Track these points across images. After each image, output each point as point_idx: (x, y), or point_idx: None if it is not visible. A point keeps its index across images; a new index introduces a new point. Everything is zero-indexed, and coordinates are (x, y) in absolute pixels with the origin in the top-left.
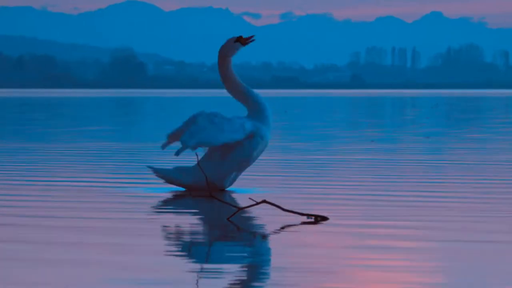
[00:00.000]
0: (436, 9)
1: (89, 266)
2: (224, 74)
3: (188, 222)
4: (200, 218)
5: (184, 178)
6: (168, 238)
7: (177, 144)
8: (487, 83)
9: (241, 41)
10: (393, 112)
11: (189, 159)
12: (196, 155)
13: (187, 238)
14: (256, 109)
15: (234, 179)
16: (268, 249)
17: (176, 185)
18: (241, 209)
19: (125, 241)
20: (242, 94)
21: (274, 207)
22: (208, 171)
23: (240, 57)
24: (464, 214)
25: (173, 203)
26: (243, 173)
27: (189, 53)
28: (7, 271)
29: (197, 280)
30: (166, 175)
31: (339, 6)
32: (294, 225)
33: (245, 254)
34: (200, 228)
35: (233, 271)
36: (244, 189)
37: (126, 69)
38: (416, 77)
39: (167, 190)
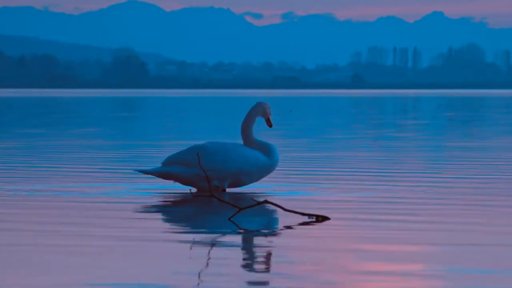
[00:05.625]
0: (438, 9)
1: (90, 265)
2: (244, 133)
3: (189, 222)
4: (201, 218)
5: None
6: (168, 238)
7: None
8: (488, 83)
9: (267, 123)
10: (396, 112)
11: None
12: (198, 155)
13: (188, 238)
14: (264, 148)
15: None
16: (269, 249)
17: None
18: (243, 209)
19: (125, 240)
20: (255, 146)
21: (275, 207)
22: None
23: (241, 58)
24: (468, 216)
25: (174, 203)
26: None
27: (191, 53)
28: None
29: (198, 280)
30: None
31: (340, 6)
32: (296, 225)
33: (246, 254)
34: (201, 228)
35: (234, 271)
36: (246, 189)
37: (127, 69)
38: (417, 77)
39: (168, 190)
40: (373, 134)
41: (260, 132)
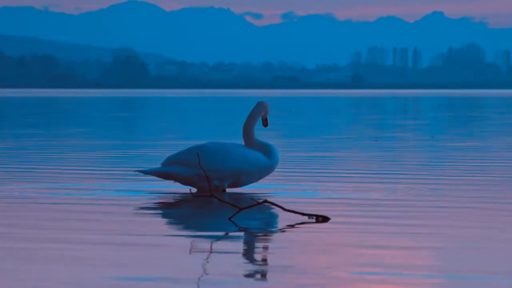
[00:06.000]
0: (438, 9)
1: (92, 264)
2: (246, 134)
3: (189, 222)
4: (201, 218)
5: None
6: (168, 238)
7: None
8: (488, 83)
9: (264, 122)
10: (396, 112)
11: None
12: (198, 155)
13: (188, 238)
14: (265, 148)
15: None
16: (269, 249)
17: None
18: (242, 209)
19: (124, 240)
20: (256, 146)
21: (275, 207)
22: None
23: (241, 58)
24: (468, 217)
25: (174, 203)
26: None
27: (191, 53)
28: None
29: (198, 280)
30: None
31: (340, 6)
32: (296, 225)
33: (246, 255)
34: (201, 228)
35: (234, 271)
36: (246, 189)
37: (127, 69)
38: (417, 77)
39: (168, 190)
40: (373, 134)
41: (259, 132)
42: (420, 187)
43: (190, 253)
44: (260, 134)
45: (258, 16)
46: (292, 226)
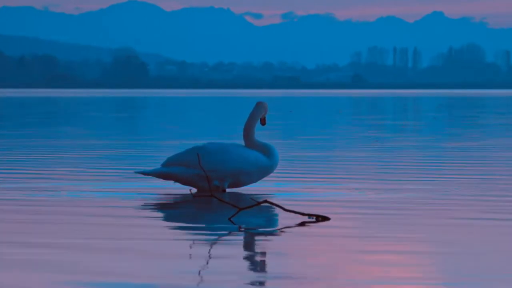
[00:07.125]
0: (438, 9)
1: (91, 264)
2: (247, 134)
3: (189, 222)
4: (201, 218)
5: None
6: (169, 238)
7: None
8: (488, 83)
9: (262, 121)
10: (396, 112)
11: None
12: (198, 155)
13: (188, 238)
14: (265, 149)
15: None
16: (269, 249)
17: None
18: (243, 209)
19: (126, 240)
20: (256, 147)
21: (275, 207)
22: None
23: (241, 58)
24: (468, 218)
25: (174, 203)
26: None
27: (191, 53)
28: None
29: (198, 280)
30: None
31: (340, 6)
32: (296, 225)
33: (246, 254)
34: (201, 228)
35: (234, 270)
36: (246, 189)
37: (128, 69)
38: (417, 77)
39: (168, 190)
40: (373, 134)
41: (258, 132)
42: (420, 187)
43: (190, 253)
44: (260, 134)
45: (258, 16)
46: (292, 226)
